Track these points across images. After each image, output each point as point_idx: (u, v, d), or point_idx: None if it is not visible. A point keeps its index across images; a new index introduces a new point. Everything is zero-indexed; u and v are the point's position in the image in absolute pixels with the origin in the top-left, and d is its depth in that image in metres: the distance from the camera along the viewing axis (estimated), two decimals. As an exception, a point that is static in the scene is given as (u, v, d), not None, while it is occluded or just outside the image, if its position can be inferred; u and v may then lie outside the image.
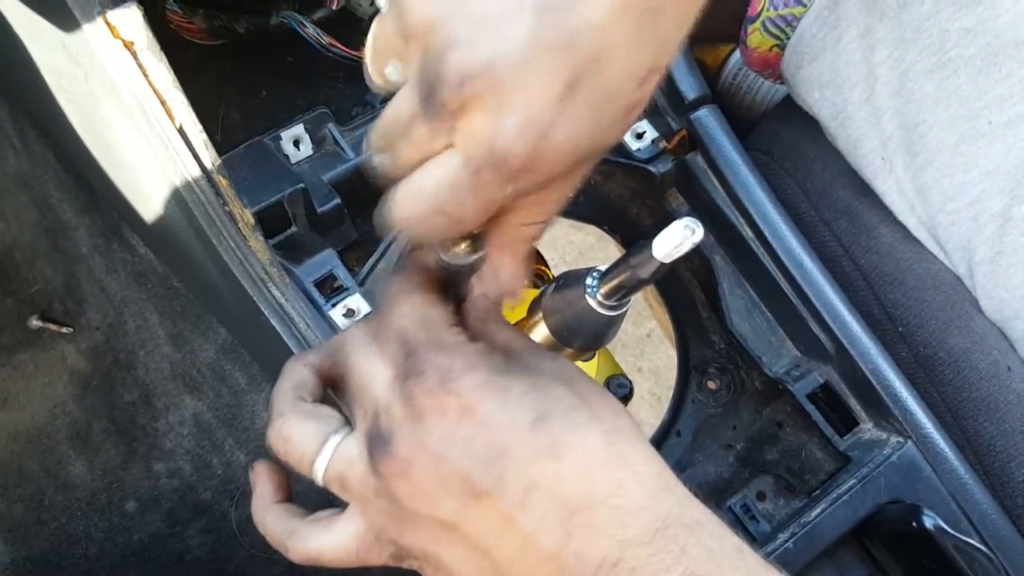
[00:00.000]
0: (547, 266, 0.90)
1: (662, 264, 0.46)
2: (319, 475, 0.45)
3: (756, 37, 0.71)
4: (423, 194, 0.40)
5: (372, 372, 0.44)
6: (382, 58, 0.41)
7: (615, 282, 0.50)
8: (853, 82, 0.66)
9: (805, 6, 0.67)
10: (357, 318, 0.60)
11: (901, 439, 0.60)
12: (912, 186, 0.65)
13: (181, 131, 0.52)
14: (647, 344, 1.56)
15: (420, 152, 0.39)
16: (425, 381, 0.41)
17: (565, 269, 0.55)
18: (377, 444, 0.42)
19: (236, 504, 0.83)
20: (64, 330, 0.92)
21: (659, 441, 0.72)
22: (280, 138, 0.62)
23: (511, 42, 0.35)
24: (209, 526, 0.83)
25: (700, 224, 0.44)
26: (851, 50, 0.65)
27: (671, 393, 0.75)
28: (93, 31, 0.49)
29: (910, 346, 0.67)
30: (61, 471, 0.86)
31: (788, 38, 0.69)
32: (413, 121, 0.38)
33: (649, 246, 0.46)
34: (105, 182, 0.67)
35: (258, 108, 0.71)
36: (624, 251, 0.50)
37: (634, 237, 0.75)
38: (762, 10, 0.70)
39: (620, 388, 0.75)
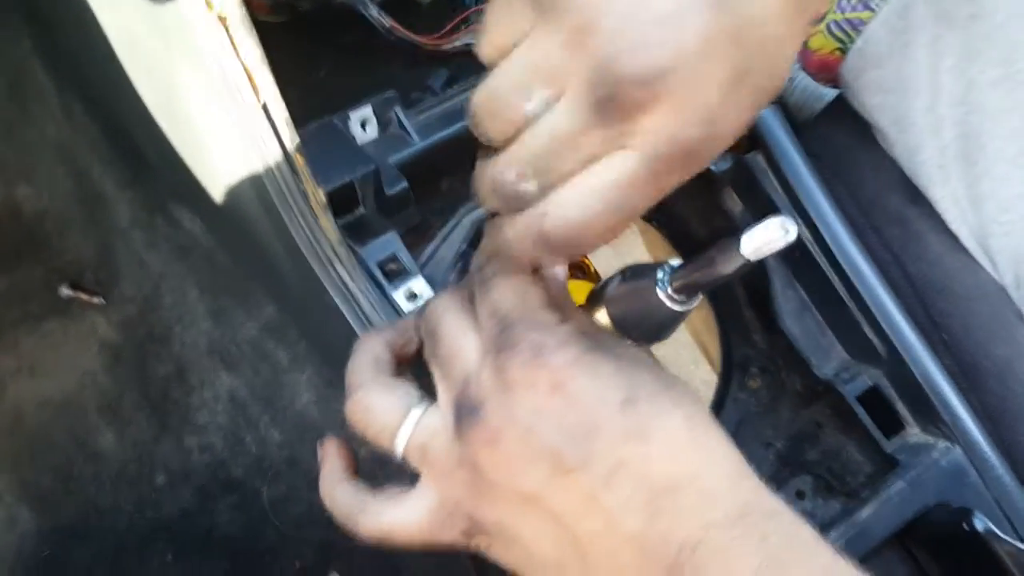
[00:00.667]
0: (587, 258, 0.91)
1: (747, 261, 0.47)
2: (400, 446, 0.45)
3: (819, 39, 0.72)
4: (598, 197, 0.39)
5: (464, 341, 0.44)
6: (523, 90, 0.39)
7: (692, 277, 0.50)
8: (917, 89, 0.66)
9: (873, 11, 0.68)
10: (419, 301, 0.60)
11: (948, 444, 0.62)
12: (967, 195, 0.66)
13: (265, 108, 0.52)
14: (665, 348, 1.57)
15: (584, 164, 0.39)
16: (519, 354, 0.41)
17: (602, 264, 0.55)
18: (466, 412, 0.42)
19: (269, 483, 0.83)
20: (96, 300, 0.91)
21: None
22: (348, 118, 0.63)
23: (689, 38, 0.36)
24: (240, 503, 0.83)
25: (795, 224, 0.44)
26: (918, 57, 0.66)
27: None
28: (187, 2, 0.49)
29: (954, 355, 0.68)
30: (90, 441, 0.86)
31: (852, 42, 0.70)
32: (579, 135, 0.38)
33: (737, 241, 0.46)
34: (165, 155, 0.67)
35: (316, 87, 0.71)
36: (670, 247, 0.50)
37: (682, 233, 0.76)
38: (828, 12, 0.71)
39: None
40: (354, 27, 0.72)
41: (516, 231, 0.41)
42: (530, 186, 0.40)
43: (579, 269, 0.89)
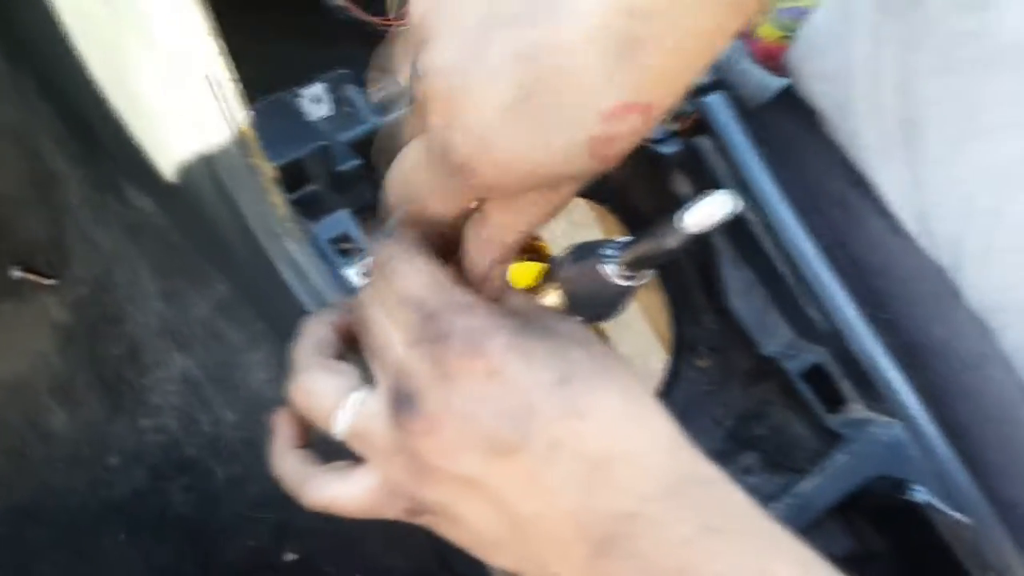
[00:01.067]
0: (541, 239, 0.92)
1: (691, 235, 0.48)
2: (340, 428, 0.46)
3: (765, 27, 0.73)
4: (399, 171, 0.43)
5: (389, 334, 0.44)
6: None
7: (639, 252, 0.51)
8: (858, 76, 0.68)
9: (817, 1, 0.69)
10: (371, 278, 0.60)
11: (890, 419, 0.63)
12: (908, 179, 0.68)
13: (214, 81, 0.52)
14: (626, 329, 1.59)
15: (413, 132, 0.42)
16: (453, 345, 0.41)
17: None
18: (403, 403, 0.42)
19: (223, 463, 0.82)
20: (47, 282, 0.90)
21: (649, 416, 0.74)
22: (300, 95, 0.63)
23: (474, 47, 0.36)
24: (193, 483, 0.83)
25: (736, 198, 0.45)
26: (859, 46, 0.67)
27: (644, 380, 0.77)
28: (133, -26, 0.49)
29: (895, 334, 0.70)
30: (43, 423, 0.85)
31: (797, 30, 0.71)
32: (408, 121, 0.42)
33: (680, 216, 0.47)
34: (115, 131, 0.67)
35: (270, 67, 0.71)
36: (626, 230, 0.51)
37: (634, 216, 0.77)
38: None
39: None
40: (305, 6, 0.72)
41: None
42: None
43: (533, 252, 0.90)
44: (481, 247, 0.46)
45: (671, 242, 0.49)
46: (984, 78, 0.64)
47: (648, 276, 0.54)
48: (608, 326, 1.59)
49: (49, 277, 0.91)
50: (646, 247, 0.50)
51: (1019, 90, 0.63)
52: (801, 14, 0.71)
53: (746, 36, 0.77)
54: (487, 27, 0.36)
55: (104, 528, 0.83)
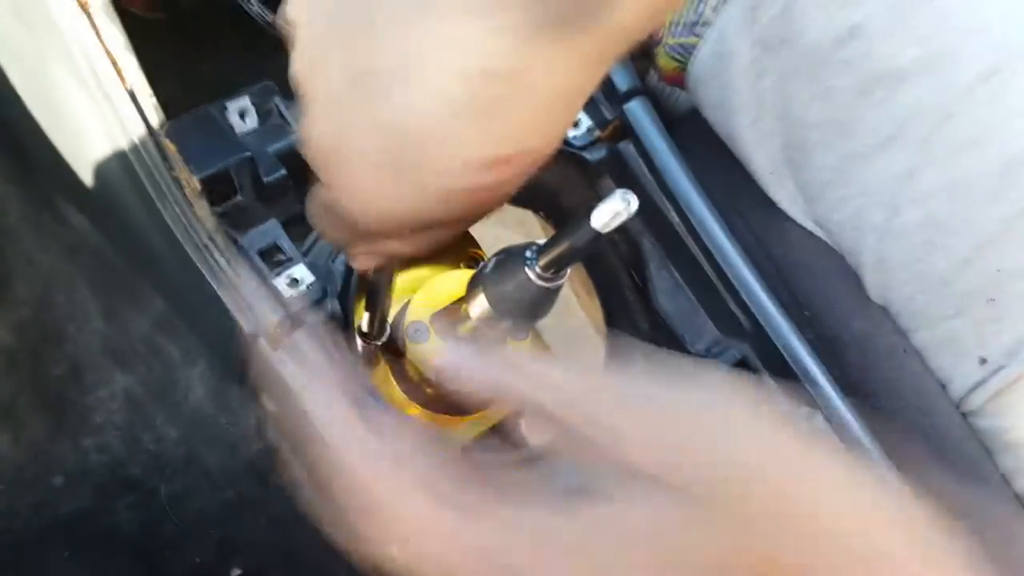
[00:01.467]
0: (480, 248, 0.93)
1: (599, 234, 0.49)
2: None
3: (663, 59, 0.77)
4: (310, 212, 0.48)
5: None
6: None
7: (554, 254, 0.53)
8: (741, 106, 0.71)
9: (699, 37, 0.72)
10: (301, 287, 0.61)
11: (811, 410, 0.65)
12: (802, 197, 0.71)
13: (131, 93, 0.53)
14: (577, 337, 1.60)
15: None
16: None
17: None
18: None
19: (166, 480, 0.83)
20: (-12, 304, 0.90)
21: (586, 417, 0.75)
22: (225, 108, 0.63)
23: (341, 118, 0.39)
24: (138, 501, 0.83)
25: (635, 196, 0.47)
26: (740, 78, 0.71)
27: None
28: (48, -9, 0.50)
29: (816, 329, 0.72)
30: (-16, 445, 0.85)
31: (688, 62, 0.74)
32: None
33: (587, 217, 0.49)
34: (45, 150, 0.67)
35: (200, 82, 0.72)
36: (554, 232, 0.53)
37: (565, 220, 0.79)
38: (664, 37, 0.75)
39: (550, 367, 0.78)
40: (237, 22, 0.73)
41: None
42: None
43: (473, 260, 0.91)
44: (367, 259, 0.51)
45: (580, 241, 0.50)
46: (861, 103, 0.67)
47: (565, 276, 0.55)
48: (555, 333, 1.60)
49: (-10, 299, 0.91)
50: (560, 248, 0.52)
51: (894, 113, 0.66)
52: (688, 49, 0.74)
53: (653, 64, 0.80)
54: (352, 99, 0.38)
55: (49, 548, 0.82)
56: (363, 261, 0.51)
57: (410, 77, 0.36)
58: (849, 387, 0.70)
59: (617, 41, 0.37)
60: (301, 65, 0.42)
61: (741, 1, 0.71)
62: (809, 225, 0.72)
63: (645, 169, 0.70)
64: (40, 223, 0.84)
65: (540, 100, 0.37)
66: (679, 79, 0.78)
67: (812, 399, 0.65)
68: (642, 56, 0.92)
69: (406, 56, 0.36)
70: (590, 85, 0.39)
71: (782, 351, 0.66)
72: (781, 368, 0.67)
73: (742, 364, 0.68)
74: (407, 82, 0.36)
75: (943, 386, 0.70)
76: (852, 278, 0.72)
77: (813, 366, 0.66)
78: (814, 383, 0.66)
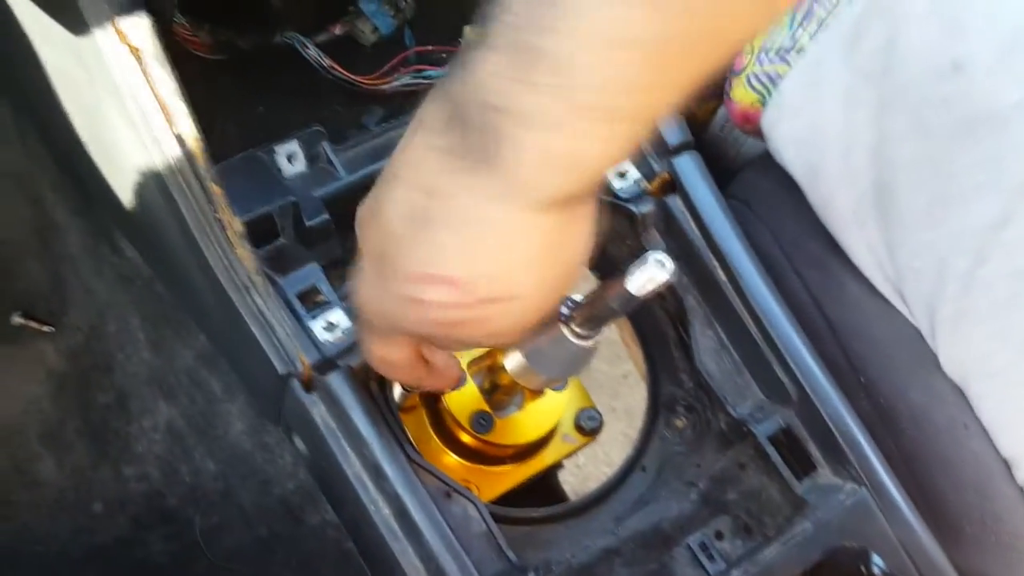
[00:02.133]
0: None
1: (634, 297, 0.48)
2: None
3: (740, 91, 0.74)
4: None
5: None
6: None
7: (589, 313, 0.52)
8: (831, 140, 0.68)
9: (789, 64, 0.70)
10: (337, 331, 0.61)
11: (856, 486, 0.62)
12: (881, 242, 0.67)
13: (179, 138, 0.54)
14: (623, 385, 1.58)
15: None
16: None
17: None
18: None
19: (201, 513, 0.83)
20: (45, 329, 0.92)
21: (624, 475, 0.73)
22: (274, 152, 0.64)
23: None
24: (173, 533, 0.83)
25: (670, 259, 0.46)
26: (831, 109, 0.68)
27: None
28: (103, 36, 0.51)
29: (871, 397, 0.69)
30: (30, 468, 0.86)
31: (770, 94, 0.72)
32: None
33: (623, 279, 0.48)
34: (100, 184, 0.69)
35: (255, 123, 0.73)
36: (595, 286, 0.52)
37: (612, 273, 0.77)
38: (748, 65, 0.73)
39: (590, 420, 0.77)
40: (294, 66, 0.74)
41: None
42: None
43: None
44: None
45: (615, 302, 0.49)
46: (958, 143, 0.64)
47: (602, 335, 0.54)
48: (610, 384, 1.58)
49: (47, 324, 0.93)
50: (595, 308, 0.51)
51: (993, 155, 0.63)
52: (773, 79, 0.71)
53: (726, 98, 0.78)
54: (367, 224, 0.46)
55: (83, 574, 0.83)
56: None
57: (386, 187, 0.45)
58: (901, 461, 0.66)
59: (523, 187, 0.40)
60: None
61: (841, 29, 0.69)
62: (877, 280, 0.69)
63: (692, 224, 0.68)
64: (99, 253, 0.86)
65: (454, 226, 0.42)
66: (752, 117, 0.76)
67: (859, 474, 0.62)
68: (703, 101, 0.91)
69: (390, 172, 0.44)
70: (517, 233, 0.43)
71: (828, 421, 0.63)
72: (827, 439, 0.64)
73: (787, 431, 0.65)
74: (384, 191, 0.45)
75: (1008, 466, 0.66)
76: (912, 343, 0.68)
77: (862, 439, 0.63)
78: (862, 457, 0.63)
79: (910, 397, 0.68)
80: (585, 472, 1.49)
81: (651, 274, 0.46)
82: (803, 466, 0.65)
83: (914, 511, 0.62)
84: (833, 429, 0.63)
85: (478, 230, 0.41)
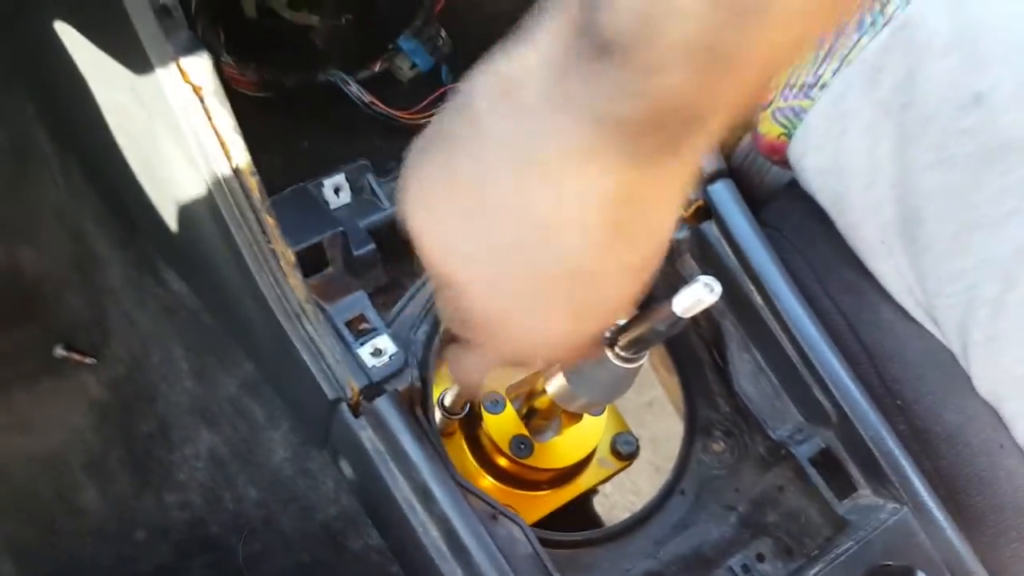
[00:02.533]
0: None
1: (680, 319, 0.49)
2: None
3: (766, 125, 0.76)
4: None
5: None
6: None
7: (634, 335, 0.53)
8: (855, 172, 0.70)
9: (813, 100, 0.72)
10: (383, 357, 0.63)
11: (897, 505, 0.63)
12: (910, 269, 0.69)
13: (236, 171, 0.56)
14: (648, 413, 1.58)
15: None
16: None
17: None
18: None
19: (244, 540, 0.84)
20: (88, 360, 0.94)
21: (662, 500, 0.74)
22: (322, 185, 0.66)
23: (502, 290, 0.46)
24: (215, 561, 0.84)
25: (718, 283, 0.47)
26: (855, 142, 0.70)
27: (670, 464, 0.77)
28: (165, 74, 0.54)
29: (907, 419, 0.70)
30: (74, 497, 0.87)
31: (795, 128, 0.74)
32: None
33: (669, 301, 0.49)
34: (150, 216, 0.71)
35: (300, 157, 0.75)
36: (637, 310, 0.53)
37: (647, 297, 0.79)
38: (773, 100, 0.75)
39: (627, 445, 0.78)
40: (337, 102, 0.76)
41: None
42: None
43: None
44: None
45: (661, 325, 0.51)
46: (982, 172, 0.66)
47: (644, 357, 0.55)
48: (632, 405, 1.59)
49: (90, 356, 0.95)
50: (639, 330, 0.52)
51: (1018, 184, 0.65)
52: (798, 113, 0.73)
53: (753, 131, 0.80)
54: (504, 266, 0.43)
55: (126, 603, 0.84)
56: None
57: (556, 229, 0.40)
58: (939, 482, 0.67)
59: (693, 160, 0.40)
60: (440, 257, 0.44)
61: (863, 63, 0.70)
62: (908, 305, 0.70)
63: (728, 250, 0.70)
64: (142, 285, 0.88)
65: (648, 216, 0.41)
66: (779, 148, 0.77)
67: (900, 493, 0.63)
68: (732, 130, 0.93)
69: (544, 213, 0.40)
70: (679, 194, 0.43)
71: (868, 442, 0.64)
72: (868, 459, 0.65)
73: (826, 453, 0.66)
74: (556, 234, 0.41)
75: (1046, 486, 0.67)
76: (946, 366, 0.69)
77: (902, 458, 0.64)
78: (903, 476, 0.63)
79: (945, 418, 0.69)
80: (612, 500, 1.49)
81: (699, 296, 0.47)
82: (843, 487, 0.66)
83: (956, 529, 0.62)
84: (873, 449, 0.64)
85: (667, 208, 0.43)
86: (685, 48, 0.33)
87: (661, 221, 0.43)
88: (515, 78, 0.38)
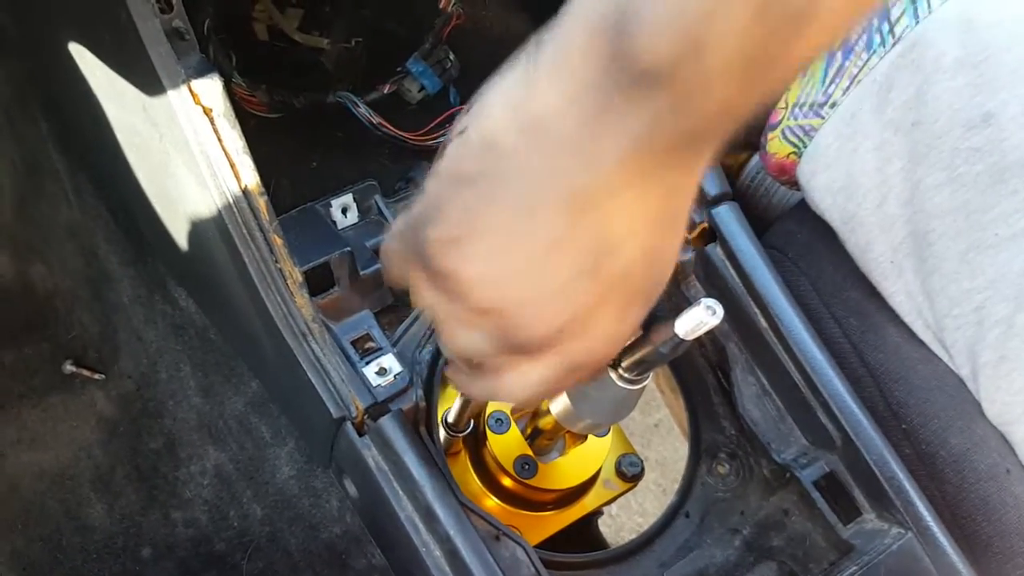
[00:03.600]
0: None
1: (683, 341, 0.50)
2: None
3: (775, 144, 0.76)
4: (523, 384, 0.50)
5: None
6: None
7: (636, 356, 0.53)
8: (866, 190, 0.70)
9: (823, 118, 0.72)
10: (388, 376, 0.63)
11: (902, 530, 0.63)
12: (920, 290, 0.69)
13: (245, 191, 0.57)
14: (655, 434, 1.58)
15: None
16: None
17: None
18: None
19: (248, 558, 0.84)
20: (96, 376, 0.95)
21: (667, 522, 0.74)
22: (330, 205, 0.67)
23: (578, 306, 0.44)
24: (220, 578, 0.84)
25: (720, 306, 0.47)
26: (865, 161, 0.70)
27: (676, 485, 0.77)
28: (176, 96, 0.55)
29: (913, 443, 0.70)
30: (81, 513, 0.88)
31: (805, 147, 0.74)
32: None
33: (671, 323, 0.50)
34: (160, 235, 0.72)
35: (308, 178, 0.76)
36: (642, 331, 0.54)
37: (651, 321, 0.79)
38: (783, 119, 0.75)
39: (632, 467, 0.78)
40: (345, 123, 0.77)
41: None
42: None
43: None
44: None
45: (664, 347, 0.51)
46: (992, 192, 0.66)
47: (647, 379, 0.55)
48: (642, 433, 1.58)
49: (98, 372, 0.96)
50: (642, 351, 0.53)
51: None
52: (808, 132, 0.74)
53: (762, 152, 0.81)
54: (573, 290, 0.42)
55: (131, 620, 0.84)
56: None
57: (610, 254, 0.42)
58: (944, 507, 0.67)
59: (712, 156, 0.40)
60: (490, 292, 0.44)
61: (873, 83, 0.71)
62: (917, 327, 0.70)
63: (732, 272, 0.70)
64: (151, 303, 0.89)
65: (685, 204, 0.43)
66: (788, 168, 0.78)
67: (904, 518, 0.63)
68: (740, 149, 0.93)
69: (596, 242, 0.41)
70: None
71: (872, 466, 0.64)
72: (872, 483, 0.64)
73: (831, 477, 0.66)
74: (610, 257, 0.42)
75: (1052, 511, 0.66)
76: (952, 390, 0.69)
77: (906, 483, 0.64)
78: (908, 501, 0.63)
79: (951, 442, 0.68)
80: (619, 523, 1.48)
81: (701, 318, 0.47)
82: (848, 511, 0.65)
83: (960, 555, 0.62)
84: (878, 474, 0.63)
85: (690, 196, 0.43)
86: (730, 65, 0.33)
87: (685, 217, 0.44)
88: (542, 112, 0.38)
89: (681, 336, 0.49)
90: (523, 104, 0.39)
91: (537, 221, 0.40)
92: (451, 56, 0.81)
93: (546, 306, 0.43)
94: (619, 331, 0.47)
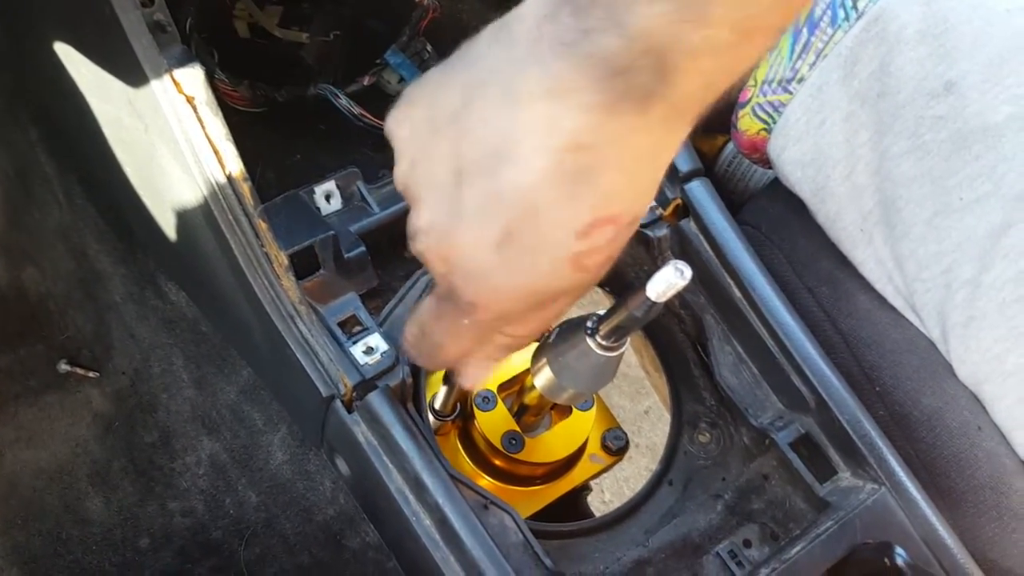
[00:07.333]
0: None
1: (655, 303, 0.52)
2: None
3: (746, 121, 0.79)
4: (416, 324, 0.53)
5: None
6: None
7: (612, 323, 0.55)
8: (835, 161, 0.73)
9: (791, 93, 0.75)
10: (376, 355, 0.65)
11: (876, 486, 0.65)
12: (890, 256, 0.71)
13: (230, 178, 0.59)
14: (644, 421, 1.60)
15: None
16: None
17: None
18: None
19: (245, 544, 0.86)
20: (91, 374, 0.97)
21: (651, 490, 0.76)
22: (314, 192, 0.69)
23: (450, 203, 0.43)
24: (218, 565, 0.86)
25: (688, 267, 0.49)
26: (833, 133, 0.72)
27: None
28: (159, 86, 0.56)
29: (886, 405, 0.72)
30: (79, 507, 0.89)
31: (775, 122, 0.76)
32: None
33: (643, 287, 0.52)
34: (149, 228, 0.74)
35: (292, 169, 0.78)
36: (614, 299, 0.56)
37: (626, 287, 0.81)
38: (752, 97, 0.77)
39: (617, 440, 0.80)
40: (328, 115, 0.79)
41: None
42: None
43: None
44: (482, 366, 0.55)
45: (638, 310, 0.53)
46: (955, 158, 0.68)
47: (625, 345, 0.58)
48: (632, 420, 1.61)
49: (92, 370, 0.97)
50: (618, 317, 0.55)
51: (989, 168, 0.67)
52: (777, 107, 0.76)
53: (733, 130, 0.83)
54: (456, 184, 0.43)
55: (132, 609, 0.86)
56: (478, 369, 0.55)
57: (508, 159, 0.41)
58: (919, 464, 0.69)
59: (683, 110, 0.40)
60: (406, 168, 0.46)
61: (838, 57, 0.73)
62: (888, 293, 0.72)
63: (706, 246, 0.72)
64: (143, 300, 0.91)
65: (623, 165, 0.41)
66: (759, 144, 0.80)
67: (877, 474, 0.65)
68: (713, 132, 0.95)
69: (501, 142, 0.41)
70: (666, 150, 0.43)
71: (846, 425, 0.66)
72: (846, 442, 0.67)
73: (806, 438, 0.68)
74: (510, 160, 0.41)
75: (1023, 463, 0.68)
76: (924, 352, 0.72)
77: (879, 440, 0.66)
78: (880, 458, 0.65)
79: (923, 402, 0.71)
80: (611, 505, 1.50)
81: (670, 279, 0.49)
82: (824, 470, 0.67)
83: (932, 507, 0.64)
84: (851, 432, 0.66)
85: (648, 161, 0.42)
86: None
87: (618, 185, 0.42)
88: (510, 19, 0.41)
89: (653, 299, 0.51)
90: (504, 17, 0.42)
91: (465, 107, 0.42)
92: (428, 48, 0.83)
93: (445, 204, 0.44)
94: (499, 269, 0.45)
